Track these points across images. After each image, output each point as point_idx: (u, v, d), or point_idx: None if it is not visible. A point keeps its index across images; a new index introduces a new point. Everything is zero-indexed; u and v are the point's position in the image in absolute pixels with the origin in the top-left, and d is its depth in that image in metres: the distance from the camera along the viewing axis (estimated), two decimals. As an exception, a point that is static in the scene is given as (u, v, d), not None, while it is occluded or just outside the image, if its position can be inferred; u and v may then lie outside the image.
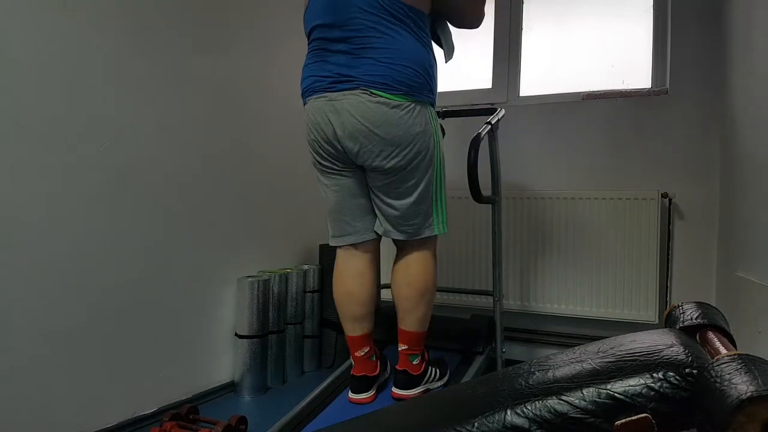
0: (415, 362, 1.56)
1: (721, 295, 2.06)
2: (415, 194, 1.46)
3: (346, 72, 1.37)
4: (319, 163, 1.51)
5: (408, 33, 1.39)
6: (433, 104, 1.49)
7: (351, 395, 1.56)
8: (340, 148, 1.42)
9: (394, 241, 1.59)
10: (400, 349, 1.57)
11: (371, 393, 1.57)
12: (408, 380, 1.55)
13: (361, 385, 1.56)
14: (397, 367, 1.57)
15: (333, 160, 1.47)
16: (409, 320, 1.55)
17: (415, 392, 1.56)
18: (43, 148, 1.46)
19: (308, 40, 1.50)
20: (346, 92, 1.37)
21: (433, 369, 1.64)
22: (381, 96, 1.35)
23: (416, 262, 1.55)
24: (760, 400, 0.46)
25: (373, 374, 1.58)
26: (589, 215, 2.29)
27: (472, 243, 2.47)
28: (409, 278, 1.54)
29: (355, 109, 1.36)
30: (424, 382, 1.59)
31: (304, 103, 1.50)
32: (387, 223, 1.52)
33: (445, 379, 1.69)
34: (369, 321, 1.59)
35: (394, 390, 1.57)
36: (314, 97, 1.43)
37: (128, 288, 1.70)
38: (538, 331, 2.43)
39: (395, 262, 1.60)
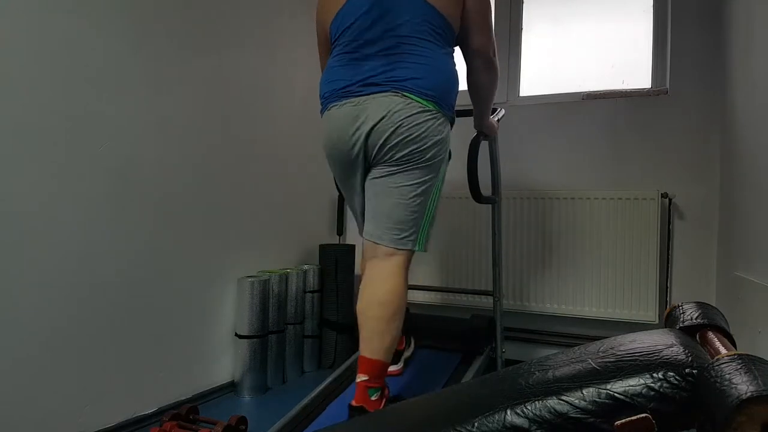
0: (374, 398, 1.35)
1: (721, 295, 2.06)
2: (412, 196, 1.40)
3: (380, 73, 1.36)
4: (343, 173, 1.49)
5: (441, 49, 1.40)
6: (452, 123, 1.48)
7: None
8: (363, 145, 1.39)
9: (367, 252, 1.48)
10: (358, 380, 1.36)
11: None
12: None
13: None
14: (353, 402, 1.35)
15: (358, 168, 1.45)
16: (375, 346, 1.35)
17: None
18: (42, 148, 1.46)
19: (333, 41, 1.46)
20: (376, 95, 1.36)
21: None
22: (411, 98, 1.35)
23: (391, 278, 1.39)
24: (760, 400, 0.46)
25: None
26: (589, 215, 2.28)
27: (472, 243, 2.47)
28: (382, 295, 1.38)
29: (382, 105, 1.35)
30: None
31: (325, 109, 1.45)
32: (374, 225, 1.44)
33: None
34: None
35: None
36: (340, 103, 1.41)
37: (128, 288, 1.70)
38: (538, 331, 2.43)
39: (365, 276, 1.45)
